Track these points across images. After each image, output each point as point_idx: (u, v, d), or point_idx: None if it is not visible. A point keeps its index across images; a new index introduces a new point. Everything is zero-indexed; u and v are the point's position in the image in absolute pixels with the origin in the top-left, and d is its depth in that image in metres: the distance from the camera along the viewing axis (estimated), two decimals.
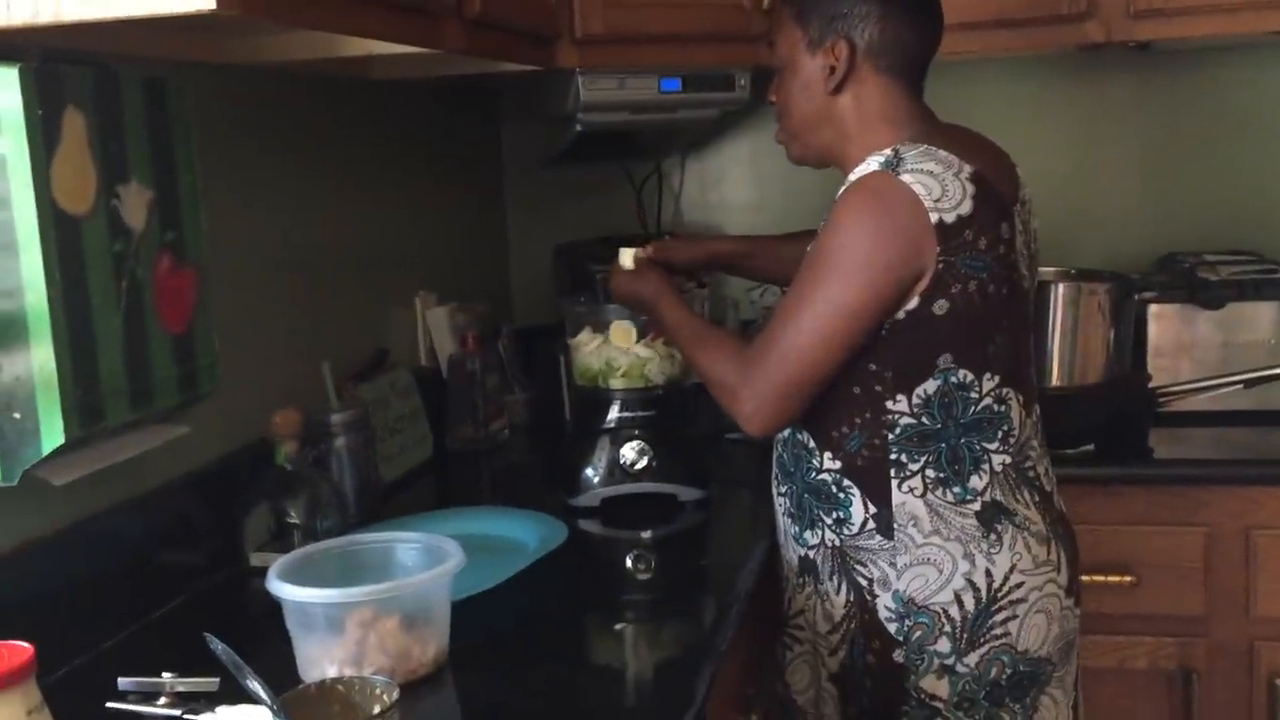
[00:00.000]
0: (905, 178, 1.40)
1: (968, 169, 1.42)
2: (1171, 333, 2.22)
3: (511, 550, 1.57)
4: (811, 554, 1.56)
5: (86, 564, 1.37)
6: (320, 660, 1.22)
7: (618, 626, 1.48)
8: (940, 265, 1.40)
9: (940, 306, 1.41)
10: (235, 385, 1.55)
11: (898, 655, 1.48)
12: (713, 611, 1.48)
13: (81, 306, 1.21)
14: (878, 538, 1.48)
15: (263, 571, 1.29)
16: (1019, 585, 1.46)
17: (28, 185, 1.14)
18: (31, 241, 1.15)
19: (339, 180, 2.04)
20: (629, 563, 1.71)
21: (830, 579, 1.53)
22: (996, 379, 1.46)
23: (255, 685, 1.07)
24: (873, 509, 1.47)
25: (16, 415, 1.18)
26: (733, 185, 2.73)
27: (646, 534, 1.78)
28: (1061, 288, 2.12)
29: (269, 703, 1.06)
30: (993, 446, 1.47)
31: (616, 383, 1.83)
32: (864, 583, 1.50)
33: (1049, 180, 2.54)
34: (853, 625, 1.52)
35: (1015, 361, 1.50)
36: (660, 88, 2.11)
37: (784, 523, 1.62)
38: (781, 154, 1.65)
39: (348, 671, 1.18)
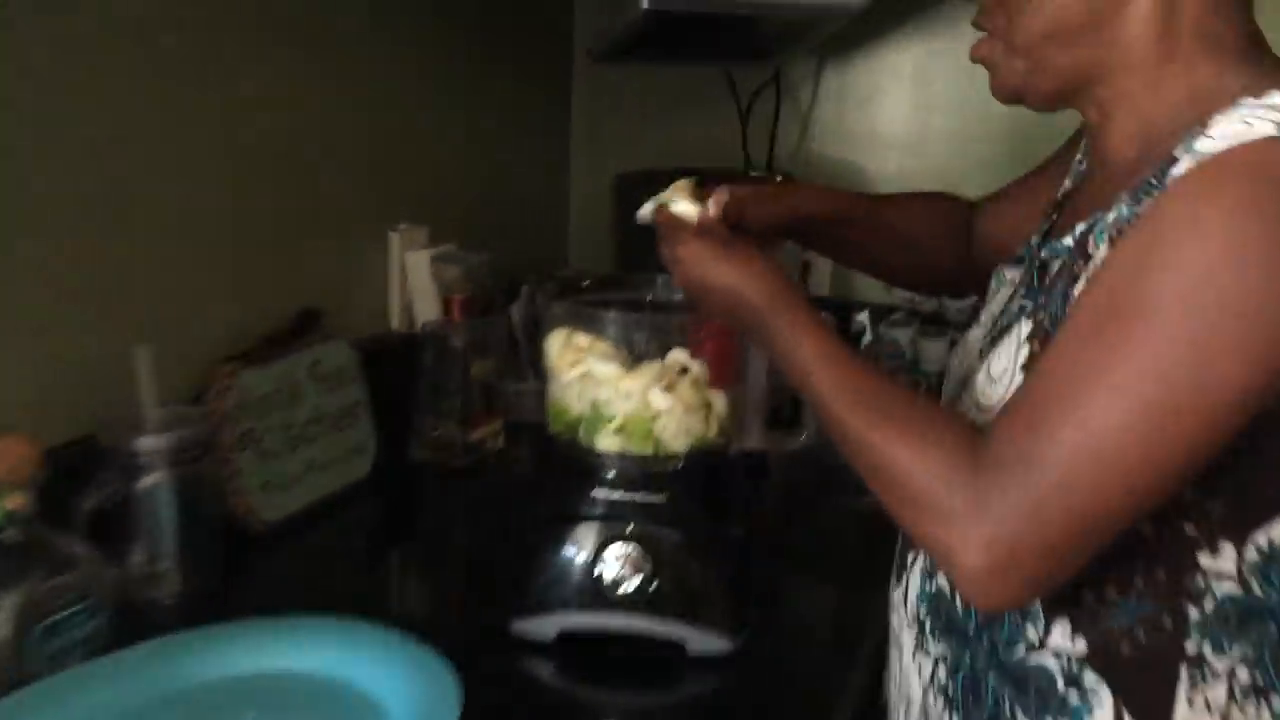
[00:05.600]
0: None
1: None
2: None
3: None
4: None
5: None
6: None
7: None
8: None
9: None
10: None
11: None
12: None
13: None
14: None
15: None
16: None
17: None
18: None
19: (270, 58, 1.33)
20: None
21: None
22: None
23: None
24: None
25: None
26: (887, 111, 1.90)
27: (613, 708, 1.06)
28: None
29: None
30: None
31: (607, 442, 1.08)
32: None
33: None
34: None
35: None
36: None
37: (929, 702, 1.00)
38: (971, 69, 0.92)
39: None
